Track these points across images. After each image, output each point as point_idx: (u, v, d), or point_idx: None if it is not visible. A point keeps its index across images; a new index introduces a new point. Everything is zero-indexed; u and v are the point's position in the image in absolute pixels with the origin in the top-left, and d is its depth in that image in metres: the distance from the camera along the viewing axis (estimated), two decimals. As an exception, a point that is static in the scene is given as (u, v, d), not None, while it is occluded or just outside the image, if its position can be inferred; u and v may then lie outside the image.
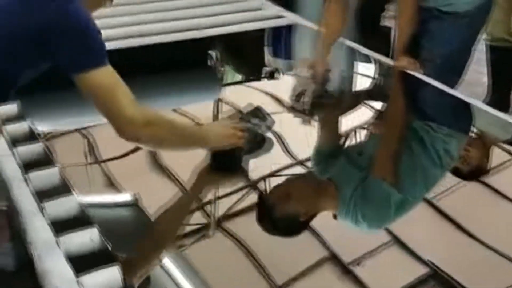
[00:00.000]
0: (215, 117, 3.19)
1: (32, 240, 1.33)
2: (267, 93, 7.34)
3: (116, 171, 5.55)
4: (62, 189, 1.50)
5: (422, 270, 5.09)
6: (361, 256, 5.37)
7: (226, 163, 2.33)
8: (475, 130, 3.28)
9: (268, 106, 7.01)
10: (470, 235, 5.40)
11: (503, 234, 5.46)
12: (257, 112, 2.27)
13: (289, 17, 3.69)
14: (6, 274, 1.45)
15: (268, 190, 2.31)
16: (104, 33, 2.08)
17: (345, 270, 5.29)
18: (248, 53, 3.81)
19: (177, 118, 7.28)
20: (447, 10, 2.95)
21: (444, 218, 5.69)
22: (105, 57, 1.95)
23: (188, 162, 5.61)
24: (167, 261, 2.08)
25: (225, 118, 2.18)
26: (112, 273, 1.24)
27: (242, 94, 7.36)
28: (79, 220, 1.38)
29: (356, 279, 5.17)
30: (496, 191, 5.74)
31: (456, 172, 2.98)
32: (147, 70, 3.01)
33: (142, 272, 1.86)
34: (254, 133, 2.20)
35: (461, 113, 2.39)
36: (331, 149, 2.56)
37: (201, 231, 5.45)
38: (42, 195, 1.48)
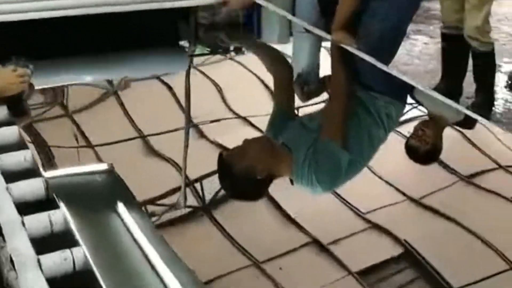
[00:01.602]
0: (188, 86, 3.23)
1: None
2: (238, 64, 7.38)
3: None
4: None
5: (397, 250, 5.24)
6: (339, 238, 5.47)
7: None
8: (428, 113, 3.37)
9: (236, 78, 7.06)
10: (449, 218, 5.57)
11: (482, 220, 5.61)
12: (18, 62, 2.34)
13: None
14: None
15: (225, 152, 2.33)
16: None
17: (323, 249, 5.41)
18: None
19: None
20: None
21: (433, 215, 5.81)
22: None
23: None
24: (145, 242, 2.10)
25: (4, 68, 2.20)
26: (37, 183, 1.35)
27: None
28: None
29: (333, 257, 5.30)
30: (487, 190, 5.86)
31: (414, 152, 3.09)
32: (121, 42, 3.04)
33: None
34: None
35: (398, 84, 2.47)
36: (284, 114, 2.61)
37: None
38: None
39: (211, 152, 6.20)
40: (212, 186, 5.57)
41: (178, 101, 6.30)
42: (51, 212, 1.43)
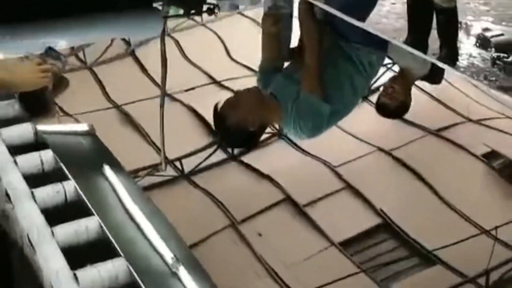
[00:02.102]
0: (163, 51, 3.28)
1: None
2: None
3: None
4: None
5: (374, 220, 5.36)
6: (315, 199, 5.58)
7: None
8: (397, 69, 3.46)
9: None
10: (427, 184, 5.70)
11: (458, 188, 5.75)
12: (50, 53, 2.18)
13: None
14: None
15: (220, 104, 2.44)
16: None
17: (300, 211, 5.51)
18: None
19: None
20: None
21: (402, 167, 5.95)
22: None
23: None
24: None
25: (29, 61, 2.01)
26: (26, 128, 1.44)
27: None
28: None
29: (310, 221, 5.40)
30: (455, 143, 6.05)
31: (384, 108, 3.19)
32: (97, 4, 3.06)
33: None
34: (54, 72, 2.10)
35: (376, 37, 2.57)
36: (272, 65, 2.69)
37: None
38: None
39: (187, 119, 6.32)
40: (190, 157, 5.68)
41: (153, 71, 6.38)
42: (42, 152, 1.51)
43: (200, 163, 5.72)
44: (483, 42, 4.27)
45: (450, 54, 3.91)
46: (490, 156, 5.76)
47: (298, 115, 2.43)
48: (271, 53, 2.70)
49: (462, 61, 4.10)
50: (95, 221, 1.33)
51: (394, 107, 3.17)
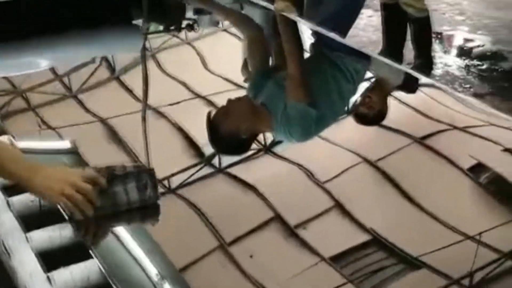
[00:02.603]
0: (144, 67, 3.33)
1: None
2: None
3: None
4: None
5: (364, 237, 5.40)
6: (306, 220, 5.60)
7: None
8: (373, 79, 3.55)
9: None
10: (411, 200, 5.72)
11: (442, 200, 5.79)
12: (143, 178, 1.55)
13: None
14: None
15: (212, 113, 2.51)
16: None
17: (291, 232, 5.52)
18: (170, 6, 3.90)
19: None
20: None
21: (387, 182, 5.98)
22: None
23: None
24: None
25: (81, 169, 1.58)
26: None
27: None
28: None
29: (301, 241, 5.42)
30: (438, 153, 6.11)
31: (363, 118, 3.27)
32: (76, 22, 3.10)
33: None
34: (115, 202, 1.52)
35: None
36: (261, 75, 2.77)
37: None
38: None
39: (172, 134, 6.33)
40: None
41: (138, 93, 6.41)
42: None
43: (187, 179, 5.72)
44: (458, 51, 4.38)
45: (425, 63, 4.00)
46: (476, 170, 5.82)
47: (287, 122, 2.52)
48: (258, 61, 2.79)
49: (437, 70, 4.18)
50: (68, 228, 1.36)
51: (371, 115, 3.26)
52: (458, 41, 4.28)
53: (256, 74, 2.79)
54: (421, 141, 6.26)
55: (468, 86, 3.89)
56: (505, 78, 3.65)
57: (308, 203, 5.75)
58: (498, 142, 5.95)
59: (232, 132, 2.47)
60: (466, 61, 3.97)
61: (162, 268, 2.04)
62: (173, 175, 5.72)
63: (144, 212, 1.68)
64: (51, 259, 1.28)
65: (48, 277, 1.19)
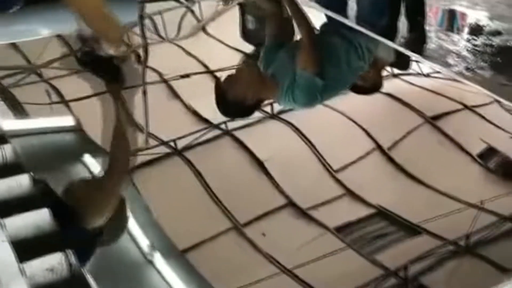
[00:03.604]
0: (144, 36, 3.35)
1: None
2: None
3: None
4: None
5: (369, 210, 5.47)
6: (316, 204, 5.68)
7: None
8: None
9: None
10: (415, 179, 5.80)
11: (447, 177, 5.81)
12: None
13: None
14: None
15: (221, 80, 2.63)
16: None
17: (303, 213, 5.62)
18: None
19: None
20: None
21: (393, 165, 6.04)
22: None
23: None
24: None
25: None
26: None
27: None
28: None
29: (313, 220, 5.51)
30: (446, 135, 6.14)
31: (359, 88, 3.37)
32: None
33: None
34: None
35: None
36: (274, 46, 2.86)
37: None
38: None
39: (180, 108, 6.40)
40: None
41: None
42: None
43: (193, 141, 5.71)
44: (454, 25, 4.35)
45: (418, 36, 3.99)
46: (485, 154, 5.88)
47: (293, 88, 2.62)
48: (273, 33, 2.87)
49: (431, 44, 4.16)
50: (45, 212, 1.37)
51: (368, 86, 3.36)
52: (454, 15, 4.25)
53: (269, 45, 2.88)
54: (433, 121, 6.32)
55: (460, 60, 3.88)
56: (499, 53, 3.65)
57: (320, 191, 5.86)
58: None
59: (238, 97, 2.59)
60: (461, 36, 3.97)
61: (155, 238, 2.11)
62: (179, 138, 5.81)
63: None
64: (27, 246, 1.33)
65: (21, 267, 1.23)
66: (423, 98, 6.34)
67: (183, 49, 6.46)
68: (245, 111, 2.73)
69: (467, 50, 3.79)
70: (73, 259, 1.29)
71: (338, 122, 6.06)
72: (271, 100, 2.95)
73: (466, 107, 5.80)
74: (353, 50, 2.81)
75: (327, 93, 2.77)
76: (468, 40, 3.96)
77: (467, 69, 3.75)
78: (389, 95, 6.14)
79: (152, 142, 5.07)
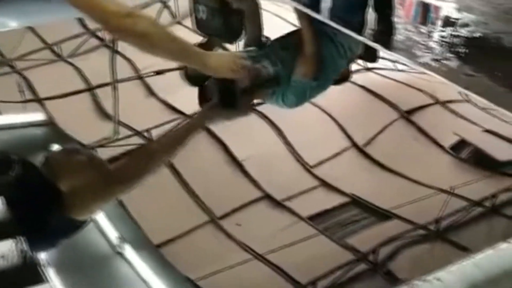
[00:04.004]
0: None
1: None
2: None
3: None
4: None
5: (343, 199, 5.54)
6: (291, 195, 5.73)
7: (227, 94, 2.36)
8: None
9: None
10: (389, 170, 5.87)
11: (419, 167, 5.89)
12: (271, 56, 2.19)
13: None
14: None
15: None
16: None
17: (278, 204, 5.66)
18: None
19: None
20: None
21: (368, 159, 6.12)
22: None
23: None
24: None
25: (235, 53, 2.14)
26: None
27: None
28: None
29: (287, 210, 5.56)
30: (420, 129, 6.21)
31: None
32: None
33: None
34: (260, 74, 2.13)
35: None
36: (254, 42, 2.87)
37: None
38: None
39: (154, 102, 6.41)
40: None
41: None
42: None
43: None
44: (421, 17, 4.41)
45: (386, 28, 4.03)
46: (457, 146, 5.99)
47: (285, 92, 2.66)
48: (253, 28, 2.88)
49: (399, 36, 4.20)
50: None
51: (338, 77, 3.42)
52: (422, 7, 4.30)
53: (250, 40, 2.90)
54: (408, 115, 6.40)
55: (428, 51, 3.93)
56: (466, 45, 3.70)
57: (293, 179, 5.91)
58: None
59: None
60: (428, 27, 4.02)
61: (125, 230, 2.10)
62: (152, 128, 5.79)
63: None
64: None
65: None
66: (397, 92, 6.42)
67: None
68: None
69: (435, 41, 3.85)
70: (24, 246, 1.29)
71: (315, 117, 6.11)
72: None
73: (438, 101, 5.88)
74: (335, 49, 2.89)
75: (314, 92, 2.82)
76: (436, 32, 4.01)
77: (434, 60, 3.80)
78: (365, 88, 6.20)
79: (125, 132, 5.06)
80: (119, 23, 1.78)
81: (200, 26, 2.89)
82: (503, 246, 1.54)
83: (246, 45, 2.89)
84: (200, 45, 2.90)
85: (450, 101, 5.90)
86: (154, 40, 1.82)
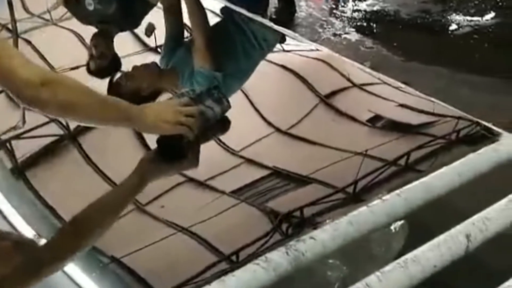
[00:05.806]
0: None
1: None
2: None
3: None
4: None
5: (264, 172, 5.55)
6: (214, 175, 5.69)
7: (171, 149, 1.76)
8: None
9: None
10: (308, 141, 5.91)
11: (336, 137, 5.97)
12: (213, 92, 1.68)
13: None
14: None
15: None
16: None
17: (201, 184, 5.58)
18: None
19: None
20: None
21: (290, 138, 6.14)
22: None
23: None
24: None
25: (173, 99, 1.69)
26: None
27: None
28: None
29: (210, 188, 5.50)
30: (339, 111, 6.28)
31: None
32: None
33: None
34: (206, 118, 1.64)
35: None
36: (174, 40, 2.74)
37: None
38: None
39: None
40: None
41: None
42: None
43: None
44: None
45: (288, 5, 4.09)
46: (372, 119, 6.14)
47: (192, 86, 2.61)
48: (172, 27, 2.84)
49: (301, 13, 4.27)
50: None
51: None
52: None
53: (169, 39, 2.86)
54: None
55: (329, 27, 4.03)
56: (365, 18, 3.81)
57: (215, 162, 5.91)
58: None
59: (133, 92, 2.54)
60: (329, 3, 4.11)
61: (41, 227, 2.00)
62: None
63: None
64: None
65: None
66: (316, 75, 6.51)
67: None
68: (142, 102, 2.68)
69: (336, 16, 3.93)
70: None
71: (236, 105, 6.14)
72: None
73: (354, 85, 6.01)
74: (247, 40, 2.73)
75: (228, 82, 2.63)
76: (337, 8, 4.10)
77: (334, 35, 3.88)
78: (284, 70, 6.29)
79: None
80: (33, 95, 1.48)
81: (87, 18, 2.82)
82: (376, 202, 1.59)
83: (166, 42, 2.86)
84: (95, 35, 2.87)
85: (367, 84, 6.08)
86: (79, 106, 1.44)
